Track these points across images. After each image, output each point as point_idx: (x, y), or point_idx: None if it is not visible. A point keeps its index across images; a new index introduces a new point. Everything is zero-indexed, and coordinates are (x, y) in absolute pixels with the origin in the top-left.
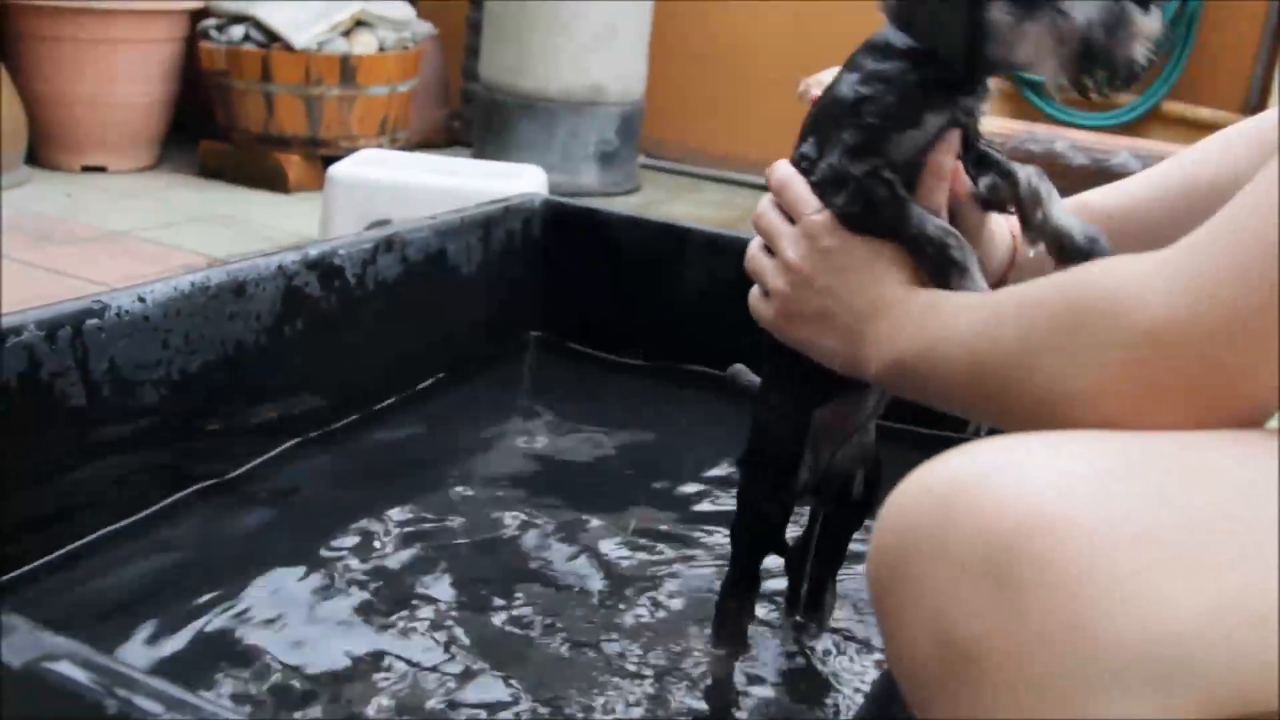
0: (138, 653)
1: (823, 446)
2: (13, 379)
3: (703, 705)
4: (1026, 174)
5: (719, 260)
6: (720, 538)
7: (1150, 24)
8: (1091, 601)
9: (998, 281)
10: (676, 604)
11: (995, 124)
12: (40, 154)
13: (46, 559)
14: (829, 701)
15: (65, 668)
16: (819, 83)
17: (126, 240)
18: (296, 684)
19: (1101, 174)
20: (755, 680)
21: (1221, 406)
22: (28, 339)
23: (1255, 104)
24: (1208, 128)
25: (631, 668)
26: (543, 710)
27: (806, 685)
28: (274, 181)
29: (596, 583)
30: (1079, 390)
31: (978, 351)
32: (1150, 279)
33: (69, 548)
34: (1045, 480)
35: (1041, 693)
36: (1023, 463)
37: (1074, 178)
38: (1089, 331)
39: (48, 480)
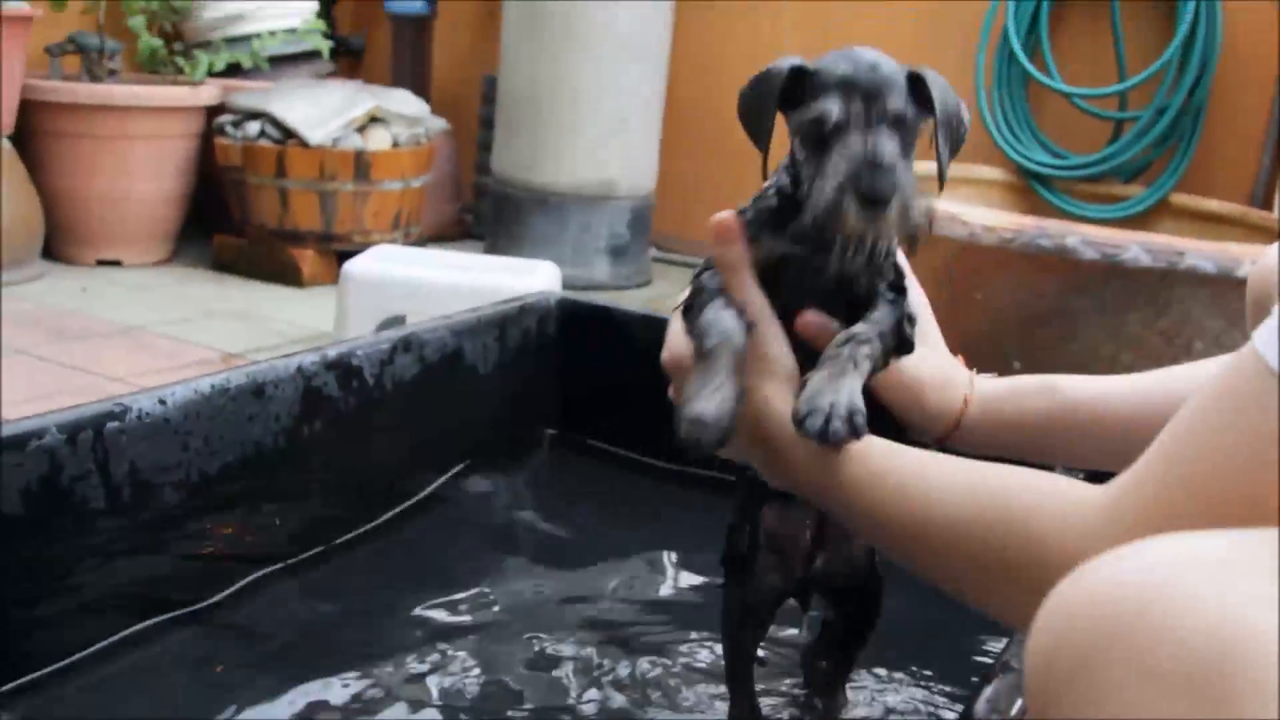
0: None
1: (789, 553)
2: (34, 482)
3: None
4: (852, 336)
5: None
6: None
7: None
8: None
9: (943, 432)
10: (688, 701)
11: (1006, 220)
12: (56, 248)
13: (64, 662)
14: None
15: None
16: None
17: (141, 335)
18: None
19: (1113, 268)
20: None
21: None
22: (49, 442)
23: (1262, 195)
24: (1215, 219)
25: None
26: None
27: None
28: (288, 276)
29: (613, 694)
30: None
31: (903, 528)
32: (1079, 530)
33: (89, 650)
34: (1237, 598)
35: None
36: (1222, 564)
37: (1085, 273)
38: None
39: (67, 582)
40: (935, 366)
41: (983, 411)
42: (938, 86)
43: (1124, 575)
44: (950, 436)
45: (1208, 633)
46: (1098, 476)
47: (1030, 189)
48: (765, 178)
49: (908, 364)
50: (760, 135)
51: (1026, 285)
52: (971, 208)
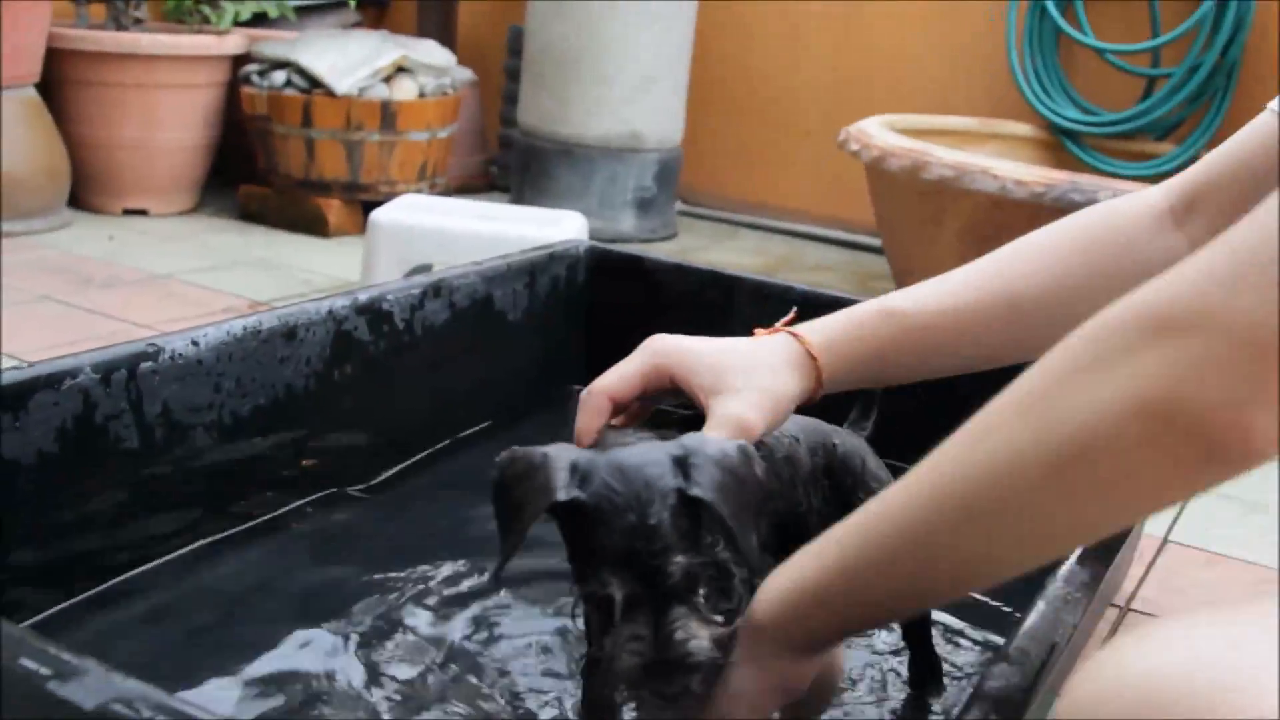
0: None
1: None
2: (69, 421)
3: None
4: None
5: (765, 308)
6: None
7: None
8: None
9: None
10: None
11: (1038, 174)
12: (82, 197)
13: (93, 592)
14: None
15: (139, 710)
16: (860, 132)
17: (169, 283)
18: None
19: None
20: None
21: None
22: (83, 381)
23: None
24: None
25: None
26: None
27: None
28: (314, 226)
29: None
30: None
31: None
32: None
33: (113, 581)
34: (1269, 689)
35: None
36: (1237, 660)
37: None
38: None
39: (100, 520)
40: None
41: (833, 364)
42: (718, 496)
43: (1148, 667)
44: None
45: None
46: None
47: (1060, 145)
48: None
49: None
50: (509, 535)
51: None
52: (1002, 161)
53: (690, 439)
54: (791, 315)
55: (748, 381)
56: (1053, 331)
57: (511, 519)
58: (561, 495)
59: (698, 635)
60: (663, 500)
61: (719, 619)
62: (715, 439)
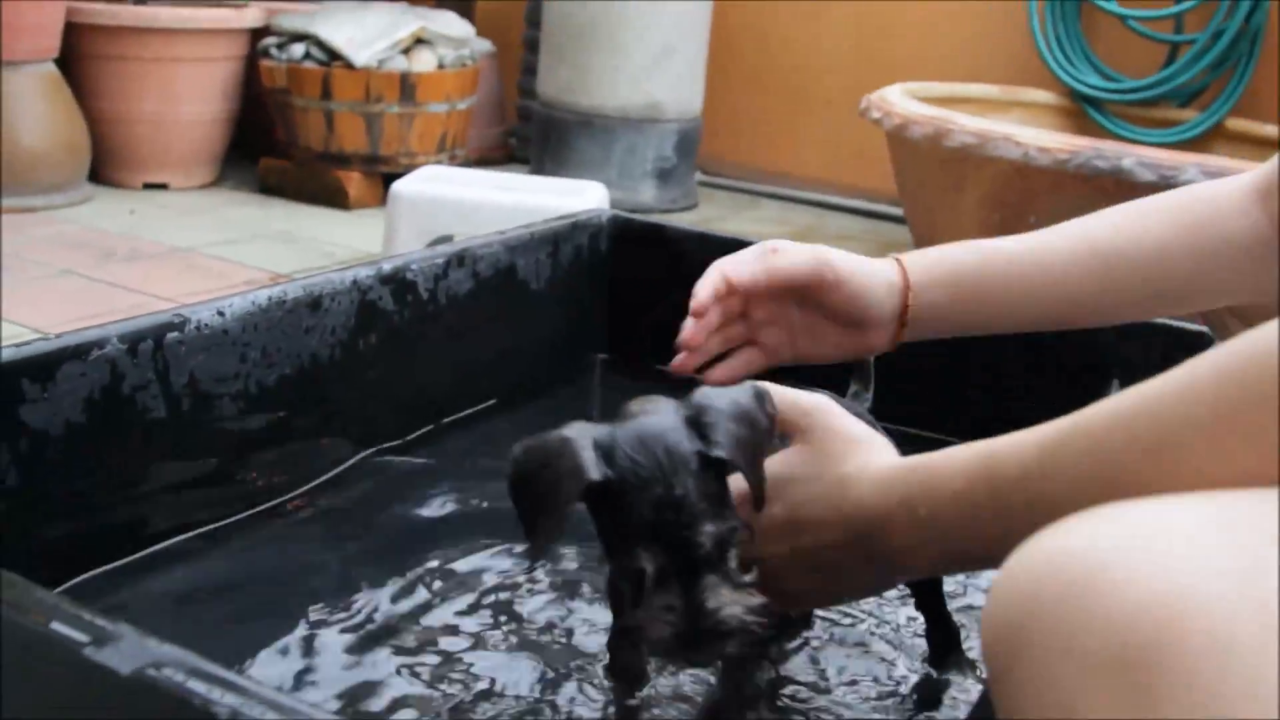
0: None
1: None
2: (96, 391)
3: None
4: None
5: None
6: None
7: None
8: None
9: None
10: None
11: (1061, 140)
12: (103, 171)
13: (120, 563)
14: None
15: (174, 674)
16: (882, 100)
17: (190, 257)
18: (376, 695)
19: (1170, 190)
20: None
21: None
22: (110, 352)
23: None
24: (1272, 144)
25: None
26: None
27: None
28: (334, 198)
29: None
30: None
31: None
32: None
33: (139, 554)
34: (1186, 572)
35: None
36: (1158, 548)
37: (1143, 195)
38: None
39: (129, 491)
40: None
41: (923, 296)
42: (733, 449)
43: (1075, 545)
44: (900, 335)
45: (1139, 613)
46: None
47: (1082, 113)
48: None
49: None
50: (542, 521)
51: (1081, 208)
52: (1025, 128)
53: (700, 395)
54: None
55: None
56: (1140, 290)
57: (542, 506)
58: (595, 475)
59: (730, 603)
60: (685, 467)
61: (749, 579)
62: (723, 390)
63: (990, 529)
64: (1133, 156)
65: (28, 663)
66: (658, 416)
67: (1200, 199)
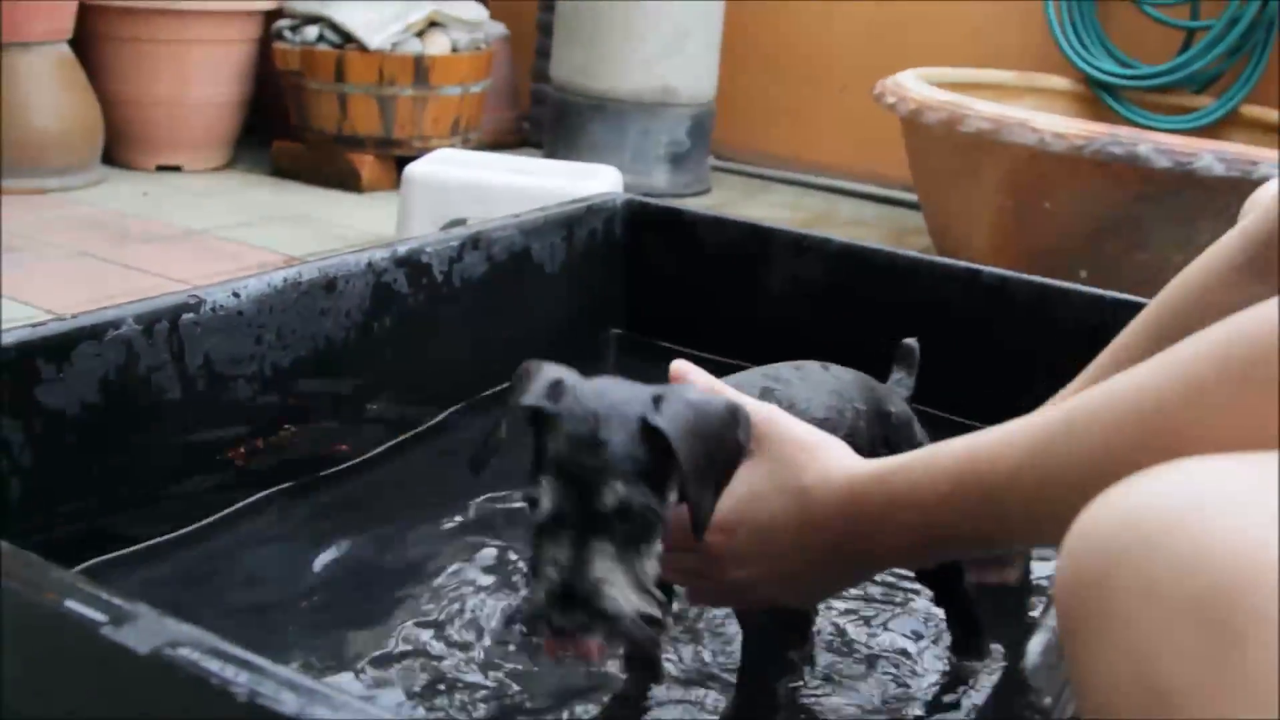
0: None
1: None
2: (111, 372)
3: None
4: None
5: (802, 260)
6: None
7: None
8: None
9: None
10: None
11: (1076, 126)
12: (116, 153)
13: (135, 548)
14: None
15: (192, 654)
16: (896, 86)
17: (204, 239)
18: (391, 677)
19: (1185, 177)
20: None
21: None
22: (126, 332)
23: None
24: None
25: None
26: None
27: None
28: (347, 181)
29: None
30: None
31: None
32: None
33: (157, 539)
34: (1259, 518)
35: None
36: (1240, 492)
37: (1159, 181)
38: None
39: (144, 471)
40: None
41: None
42: (680, 433)
43: (1148, 499)
44: None
45: (1218, 556)
46: None
47: (1097, 99)
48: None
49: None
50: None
51: (1097, 194)
52: (1040, 114)
53: (680, 385)
54: None
55: None
56: None
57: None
58: (527, 400)
59: (617, 583)
60: (623, 424)
61: (657, 592)
62: (704, 394)
63: (985, 525)
64: (1148, 142)
65: (44, 642)
66: (630, 385)
67: (1198, 292)
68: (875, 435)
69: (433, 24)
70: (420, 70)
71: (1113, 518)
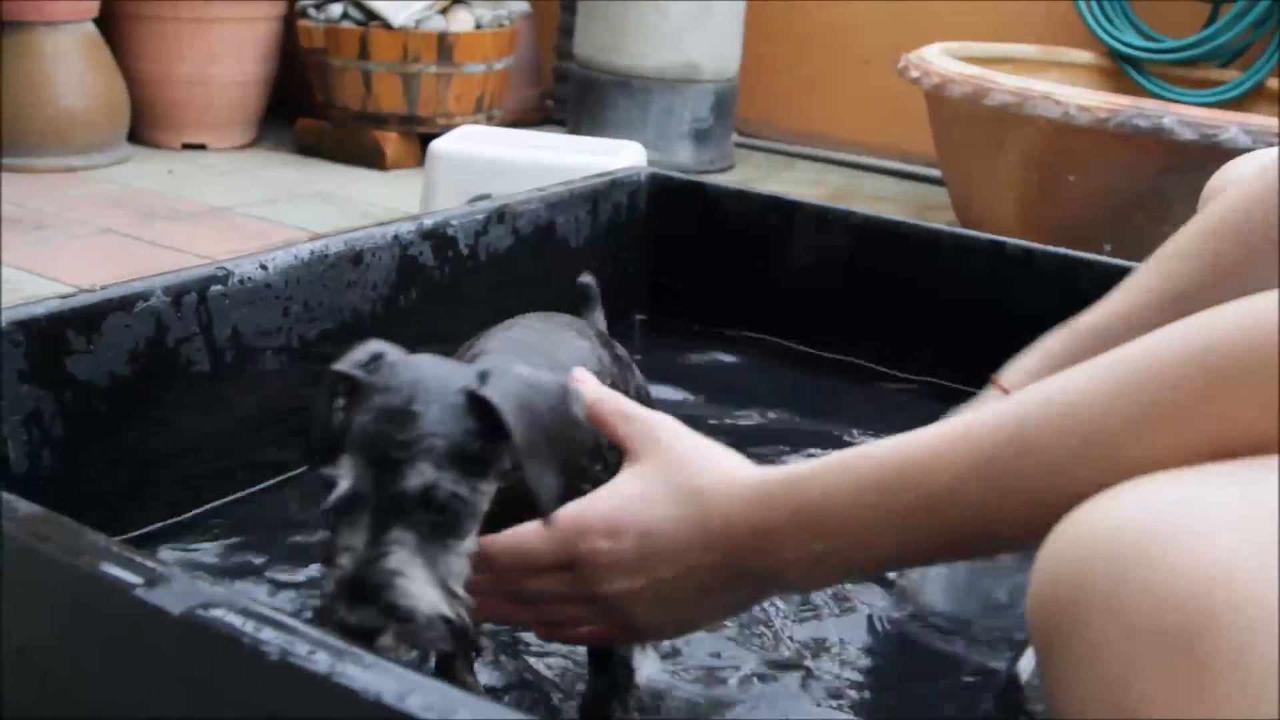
0: None
1: None
2: (141, 343)
3: None
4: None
5: (826, 234)
6: None
7: None
8: None
9: None
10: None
11: (1101, 99)
12: (141, 132)
13: (166, 522)
14: None
15: (225, 614)
16: (920, 60)
17: (230, 216)
18: None
19: (1211, 149)
20: None
21: None
22: (155, 304)
23: None
24: None
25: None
26: None
27: None
28: (371, 158)
29: None
30: None
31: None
32: None
33: (190, 514)
34: (1239, 544)
35: None
36: (1212, 517)
37: (1184, 154)
38: None
39: (173, 444)
40: None
41: None
42: (512, 406)
43: (1120, 522)
44: None
45: (1191, 584)
46: None
47: (1122, 73)
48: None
49: None
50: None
51: (1121, 167)
52: (1065, 87)
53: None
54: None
55: None
56: None
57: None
58: (338, 366)
59: (416, 578)
60: (442, 396)
61: (463, 594)
62: (536, 370)
63: (913, 538)
64: (1174, 115)
65: (80, 604)
66: (460, 364)
67: (1248, 212)
68: (617, 378)
69: (456, 1)
70: (444, 47)
71: (1086, 538)
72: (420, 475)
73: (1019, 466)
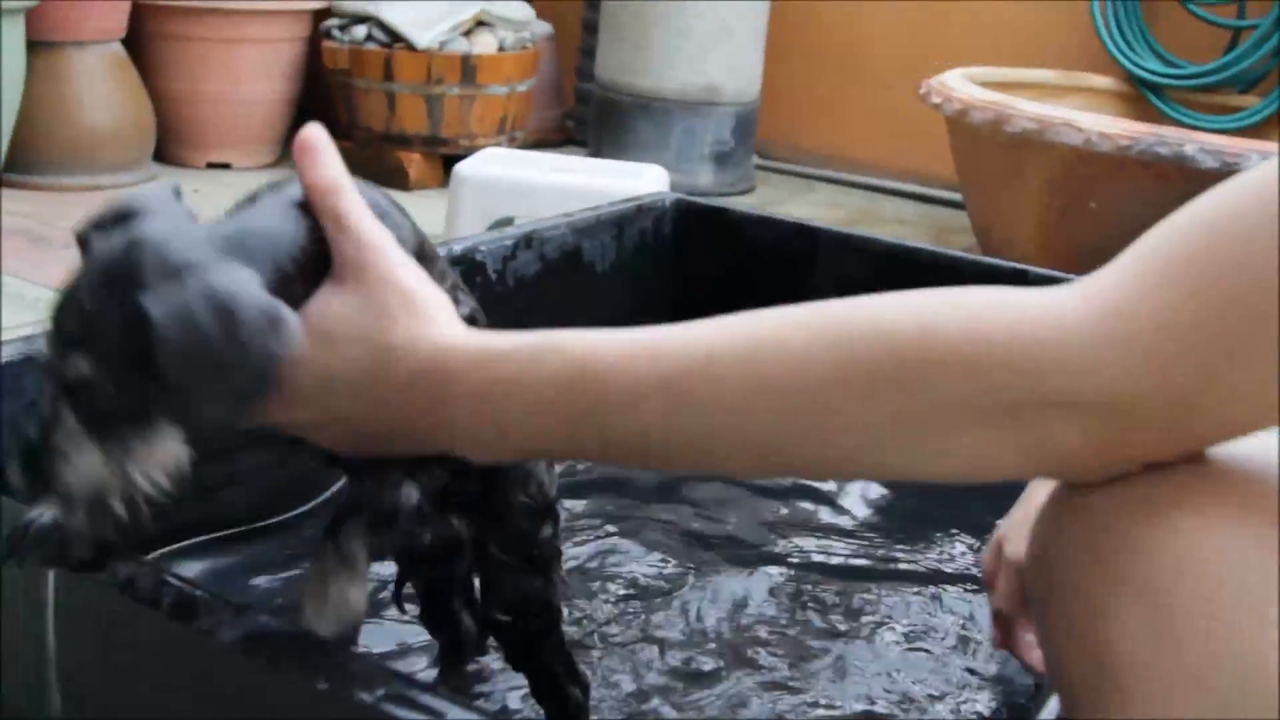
0: None
1: None
2: None
3: None
4: None
5: (850, 260)
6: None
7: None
8: (1252, 644)
9: None
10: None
11: (1122, 126)
12: (167, 151)
13: (196, 540)
14: None
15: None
16: (942, 85)
17: None
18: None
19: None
20: None
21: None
22: None
23: None
24: None
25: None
26: None
27: None
28: (395, 179)
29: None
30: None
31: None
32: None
33: (218, 535)
34: (1203, 522)
35: None
36: (1196, 492)
37: (1205, 181)
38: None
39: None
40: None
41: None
42: (171, 336)
43: (1101, 491)
44: None
45: (1164, 541)
46: None
47: (1142, 99)
48: None
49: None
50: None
51: (1142, 195)
52: (1086, 114)
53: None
54: None
55: None
56: None
57: None
58: (76, 227)
59: (80, 460)
60: (125, 299)
61: (144, 485)
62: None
63: (582, 436)
64: (1195, 143)
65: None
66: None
67: None
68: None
69: (480, 23)
70: (467, 69)
71: (1074, 502)
72: (75, 368)
73: (699, 398)
